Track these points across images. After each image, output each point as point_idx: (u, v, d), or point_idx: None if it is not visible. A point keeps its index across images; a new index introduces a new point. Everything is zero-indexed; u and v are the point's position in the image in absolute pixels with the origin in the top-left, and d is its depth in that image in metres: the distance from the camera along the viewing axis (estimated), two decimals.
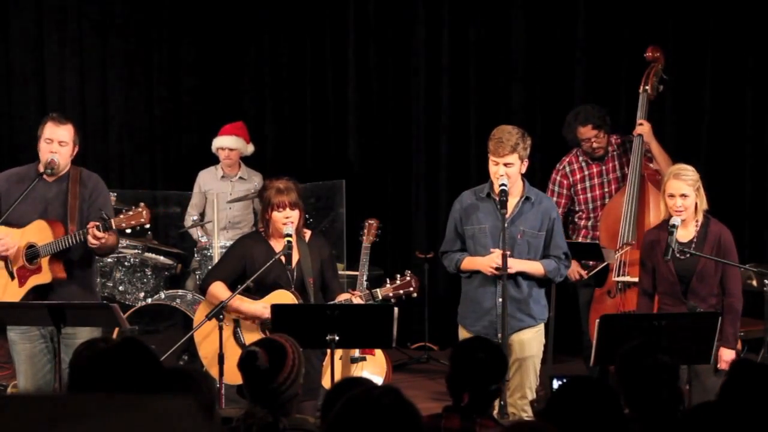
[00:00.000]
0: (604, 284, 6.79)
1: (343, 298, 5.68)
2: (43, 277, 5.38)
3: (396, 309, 5.28)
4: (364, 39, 8.96)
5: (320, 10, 9.08)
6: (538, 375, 5.70)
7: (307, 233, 5.86)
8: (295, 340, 3.87)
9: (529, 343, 5.62)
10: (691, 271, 5.60)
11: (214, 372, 5.51)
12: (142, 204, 5.33)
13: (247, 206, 8.14)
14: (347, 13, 8.98)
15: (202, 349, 5.78)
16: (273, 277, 5.64)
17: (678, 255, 5.59)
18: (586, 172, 7.09)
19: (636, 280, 6.38)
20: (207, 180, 8.26)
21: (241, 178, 8.24)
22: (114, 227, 5.21)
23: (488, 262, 5.49)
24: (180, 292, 7.44)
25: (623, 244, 6.64)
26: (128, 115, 9.47)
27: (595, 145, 7.03)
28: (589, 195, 7.08)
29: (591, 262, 6.90)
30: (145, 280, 7.85)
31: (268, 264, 5.50)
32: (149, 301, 7.44)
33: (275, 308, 5.31)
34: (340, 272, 6.64)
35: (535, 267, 5.58)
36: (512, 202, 5.55)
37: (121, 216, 5.28)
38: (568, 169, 7.12)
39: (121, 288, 7.78)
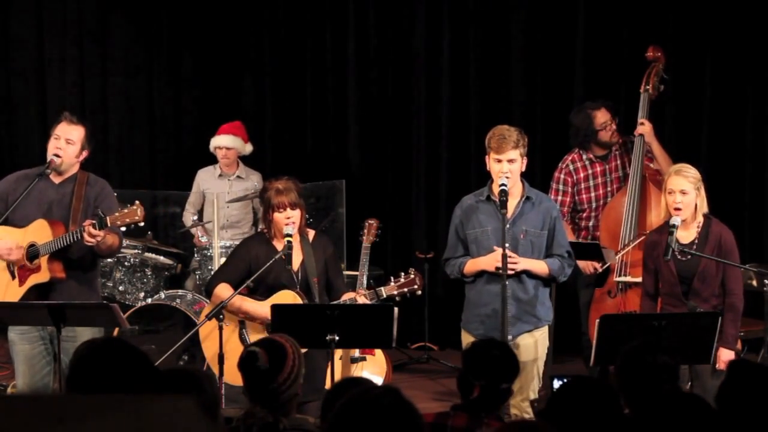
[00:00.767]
0: (605, 284, 6.78)
1: (347, 297, 5.69)
2: (42, 276, 5.39)
3: (396, 309, 5.28)
4: (364, 39, 8.96)
5: (320, 9, 9.08)
6: (541, 377, 5.69)
7: (311, 233, 5.86)
8: (295, 340, 3.87)
9: (535, 345, 5.61)
10: (692, 272, 5.60)
11: (216, 372, 5.51)
12: (136, 202, 5.33)
13: (246, 206, 8.14)
14: (347, 13, 8.98)
15: (205, 350, 5.78)
16: (274, 277, 5.65)
17: (679, 256, 5.59)
18: (590, 171, 7.07)
19: (636, 280, 6.39)
20: (205, 179, 8.26)
21: (239, 177, 8.24)
22: (108, 224, 5.21)
23: (492, 259, 5.48)
24: (180, 292, 7.44)
25: (624, 244, 6.64)
26: (128, 114, 9.47)
27: (614, 127, 7.01)
28: (592, 194, 7.06)
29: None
30: (145, 280, 7.85)
31: (268, 264, 5.50)
32: (149, 301, 7.43)
33: (275, 308, 5.32)
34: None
35: (540, 266, 5.57)
36: (513, 203, 5.54)
37: (116, 214, 5.28)
38: (571, 167, 7.09)
39: (121, 288, 7.78)
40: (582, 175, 7.07)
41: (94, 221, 5.19)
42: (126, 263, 7.80)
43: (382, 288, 5.81)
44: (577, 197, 7.10)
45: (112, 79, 9.40)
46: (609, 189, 7.05)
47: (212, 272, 6.72)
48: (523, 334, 5.57)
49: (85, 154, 5.56)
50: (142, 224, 5.37)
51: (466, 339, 5.64)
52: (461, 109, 8.66)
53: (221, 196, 7.94)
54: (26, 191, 5.40)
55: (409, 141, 8.87)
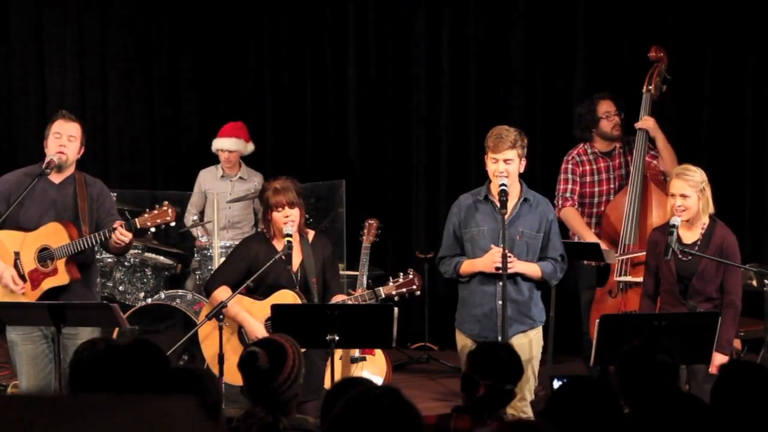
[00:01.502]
0: (606, 284, 6.78)
1: (337, 299, 5.67)
2: (61, 279, 5.39)
3: (396, 309, 5.28)
4: (364, 39, 8.96)
5: (321, 10, 9.08)
6: (537, 377, 5.69)
7: (310, 233, 5.86)
8: (295, 340, 3.87)
9: (529, 345, 5.60)
10: (692, 272, 5.61)
11: (216, 372, 5.51)
12: (166, 203, 5.36)
13: (247, 206, 8.14)
14: (347, 13, 8.98)
15: (205, 350, 5.78)
16: (273, 277, 5.64)
17: (681, 256, 5.59)
18: (594, 166, 7.06)
19: (637, 280, 6.39)
20: (207, 179, 8.26)
21: (241, 178, 8.24)
22: (138, 227, 5.24)
23: (489, 259, 5.48)
24: (180, 292, 7.44)
25: (625, 244, 6.64)
26: (128, 115, 9.47)
27: (617, 119, 7.00)
28: (596, 189, 7.05)
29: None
30: (145, 280, 7.85)
31: (267, 264, 5.50)
32: (149, 301, 7.43)
33: (275, 308, 5.31)
34: (340, 272, 6.63)
35: (533, 269, 5.57)
36: (510, 204, 5.53)
37: (146, 215, 5.31)
38: (578, 159, 7.06)
39: (121, 288, 7.78)
40: (587, 168, 7.05)
41: (123, 222, 5.21)
42: (126, 263, 7.80)
43: (381, 288, 5.81)
44: (581, 190, 7.08)
45: (112, 79, 9.40)
46: (612, 186, 7.04)
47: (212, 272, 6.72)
48: (518, 334, 5.57)
49: (82, 150, 5.56)
50: (173, 224, 5.42)
51: (461, 339, 5.64)
52: (461, 110, 8.66)
53: (222, 196, 7.94)
54: (26, 191, 5.39)
55: (409, 141, 8.87)
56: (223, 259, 6.57)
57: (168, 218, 5.30)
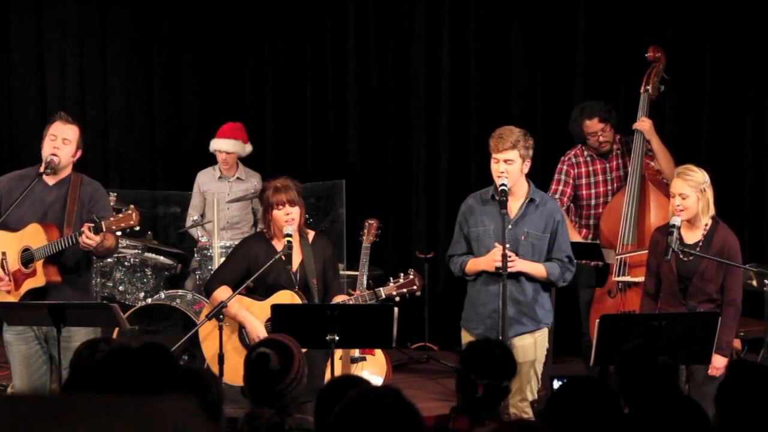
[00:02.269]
0: (605, 284, 6.78)
1: (337, 300, 5.67)
2: (38, 281, 5.37)
3: (396, 309, 5.28)
4: (364, 39, 8.96)
5: (320, 9, 9.08)
6: (539, 378, 5.68)
7: (311, 233, 5.85)
8: (295, 341, 3.87)
9: (531, 347, 5.60)
10: (692, 272, 5.61)
11: (216, 372, 5.51)
12: (131, 206, 5.28)
13: (246, 206, 8.14)
14: (347, 12, 8.98)
15: (205, 350, 5.78)
16: (273, 277, 5.64)
17: (681, 256, 5.59)
18: (591, 168, 7.06)
19: (636, 280, 6.39)
20: (205, 181, 8.26)
21: (238, 178, 8.23)
22: (104, 229, 5.19)
23: (490, 258, 5.48)
24: (180, 292, 7.44)
25: (623, 245, 6.64)
26: (128, 115, 9.47)
27: (601, 139, 7.00)
28: (593, 191, 7.05)
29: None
30: (145, 280, 7.85)
31: (267, 264, 5.49)
32: (149, 301, 7.43)
33: (275, 308, 5.31)
34: (340, 272, 6.64)
35: (538, 269, 5.55)
36: (516, 204, 5.53)
37: (111, 219, 5.26)
38: (573, 160, 7.07)
39: (121, 288, 7.78)
40: (583, 170, 7.06)
41: (91, 225, 5.17)
42: (126, 263, 7.80)
43: (381, 288, 5.80)
44: (577, 192, 7.09)
45: (112, 79, 9.40)
46: (609, 188, 7.04)
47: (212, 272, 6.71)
48: (523, 335, 5.56)
49: (79, 153, 5.53)
50: (137, 228, 5.34)
51: (466, 338, 5.64)
52: (462, 109, 8.66)
53: (221, 197, 7.94)
54: (25, 192, 5.38)
55: (409, 142, 8.87)
56: (223, 259, 6.57)
57: (132, 222, 5.24)
